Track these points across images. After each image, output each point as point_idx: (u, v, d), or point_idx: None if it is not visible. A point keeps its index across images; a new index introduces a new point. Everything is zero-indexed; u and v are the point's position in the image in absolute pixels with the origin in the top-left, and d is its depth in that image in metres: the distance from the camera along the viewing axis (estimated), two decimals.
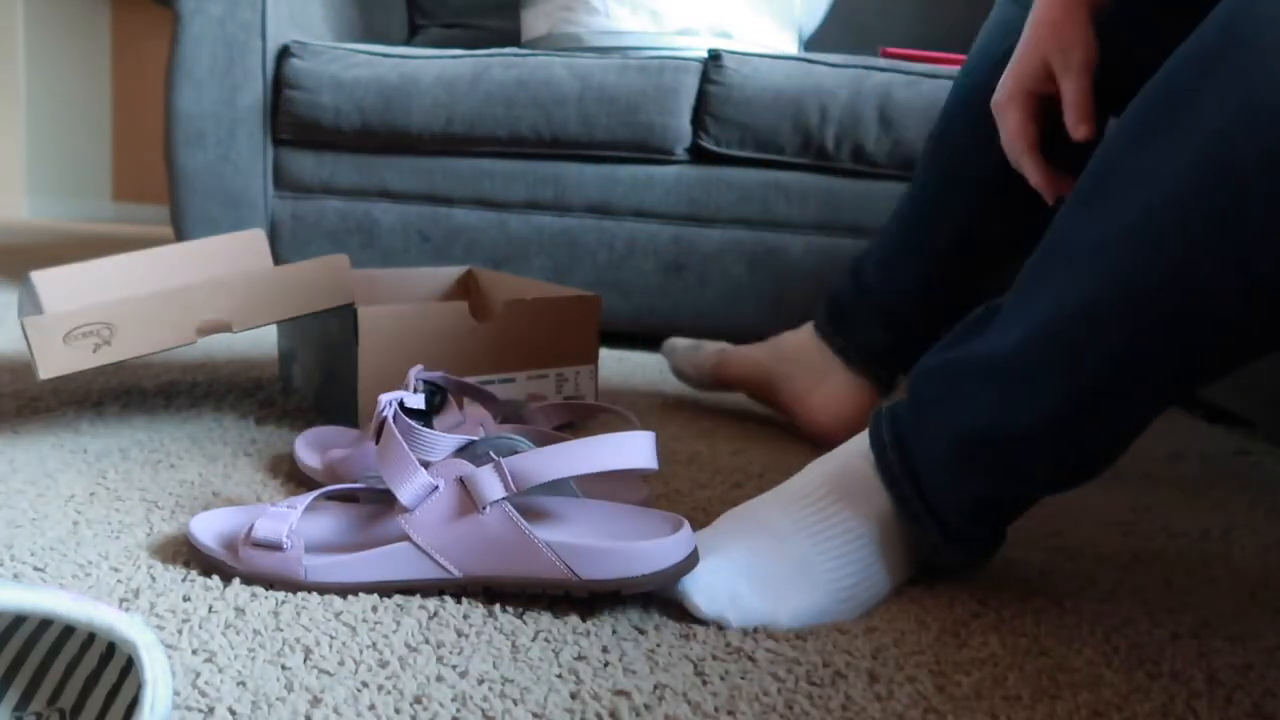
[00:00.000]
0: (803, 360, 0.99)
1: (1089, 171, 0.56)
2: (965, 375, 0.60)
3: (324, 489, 0.63)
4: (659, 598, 0.59)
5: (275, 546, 0.57)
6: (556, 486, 0.63)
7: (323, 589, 0.57)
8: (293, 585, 0.57)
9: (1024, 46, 0.69)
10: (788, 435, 1.03)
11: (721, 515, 0.65)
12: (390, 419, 0.60)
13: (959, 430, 0.59)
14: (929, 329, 0.90)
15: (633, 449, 0.56)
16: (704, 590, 0.57)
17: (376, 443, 0.61)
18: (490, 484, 0.56)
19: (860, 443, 0.64)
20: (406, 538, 0.57)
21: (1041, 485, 0.59)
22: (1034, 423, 0.56)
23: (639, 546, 0.55)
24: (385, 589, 0.58)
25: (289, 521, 0.58)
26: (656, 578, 0.55)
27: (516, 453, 0.58)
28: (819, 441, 0.96)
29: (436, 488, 0.57)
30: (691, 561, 0.56)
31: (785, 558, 0.59)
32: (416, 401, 0.68)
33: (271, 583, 0.58)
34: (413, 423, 0.62)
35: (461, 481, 0.56)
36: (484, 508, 0.56)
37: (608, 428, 1.01)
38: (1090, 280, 0.53)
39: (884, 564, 0.61)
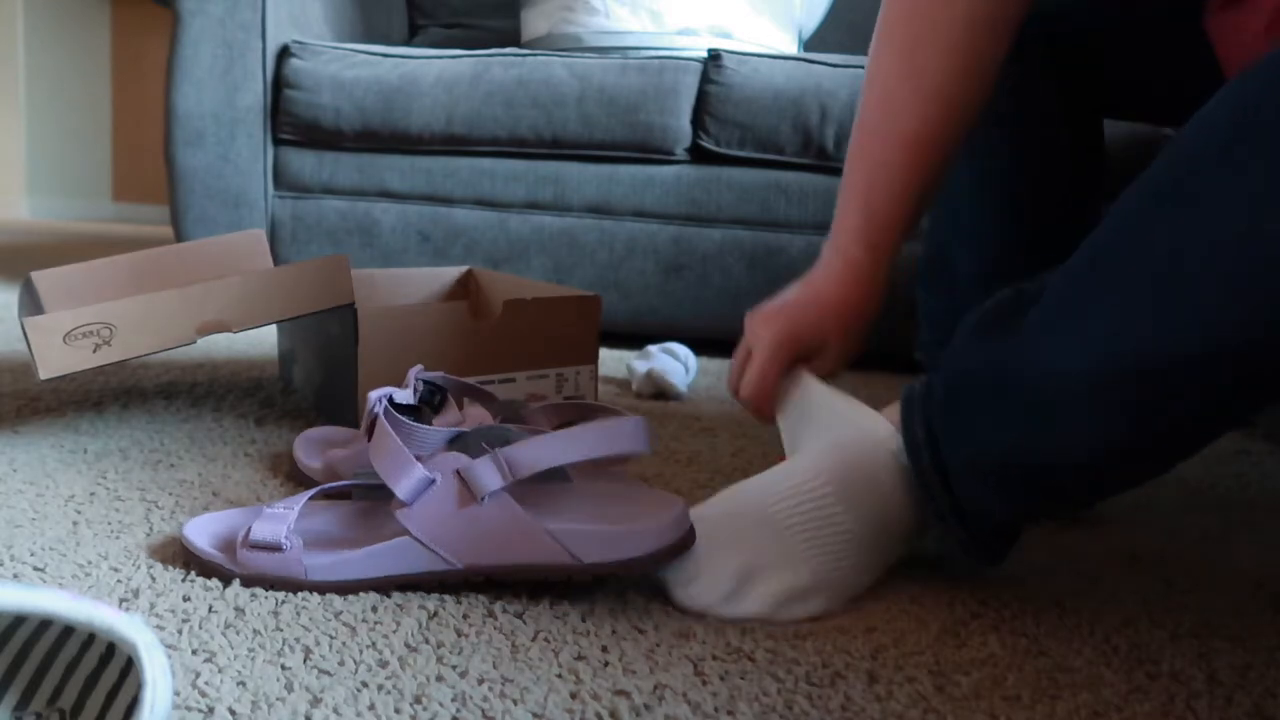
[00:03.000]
0: None
1: (1164, 172, 0.52)
2: (996, 390, 0.56)
3: (319, 488, 0.63)
4: (660, 596, 0.59)
5: (274, 547, 0.57)
6: (550, 473, 0.62)
7: (324, 588, 0.57)
8: (293, 585, 0.57)
9: (815, 311, 0.70)
10: None
11: (718, 494, 0.64)
12: (381, 415, 0.60)
13: (1002, 452, 0.56)
14: None
15: (625, 434, 0.56)
16: (689, 582, 0.58)
17: (369, 440, 0.61)
18: (488, 474, 0.56)
19: (874, 432, 0.62)
20: (405, 532, 0.57)
21: (1080, 504, 0.59)
22: (1093, 455, 0.53)
23: (638, 528, 0.56)
24: (387, 584, 0.58)
25: (287, 522, 0.58)
26: (656, 556, 0.56)
27: (509, 442, 0.58)
28: None
29: (434, 481, 0.57)
30: (689, 539, 0.57)
31: (774, 547, 0.59)
32: (406, 397, 0.68)
33: (272, 583, 0.58)
34: (403, 418, 0.62)
35: (458, 474, 0.56)
36: (482, 498, 0.56)
37: None
38: (1139, 336, 0.49)
39: (866, 563, 0.61)
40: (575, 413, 0.72)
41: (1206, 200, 0.48)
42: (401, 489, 0.57)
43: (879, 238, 0.70)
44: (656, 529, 0.56)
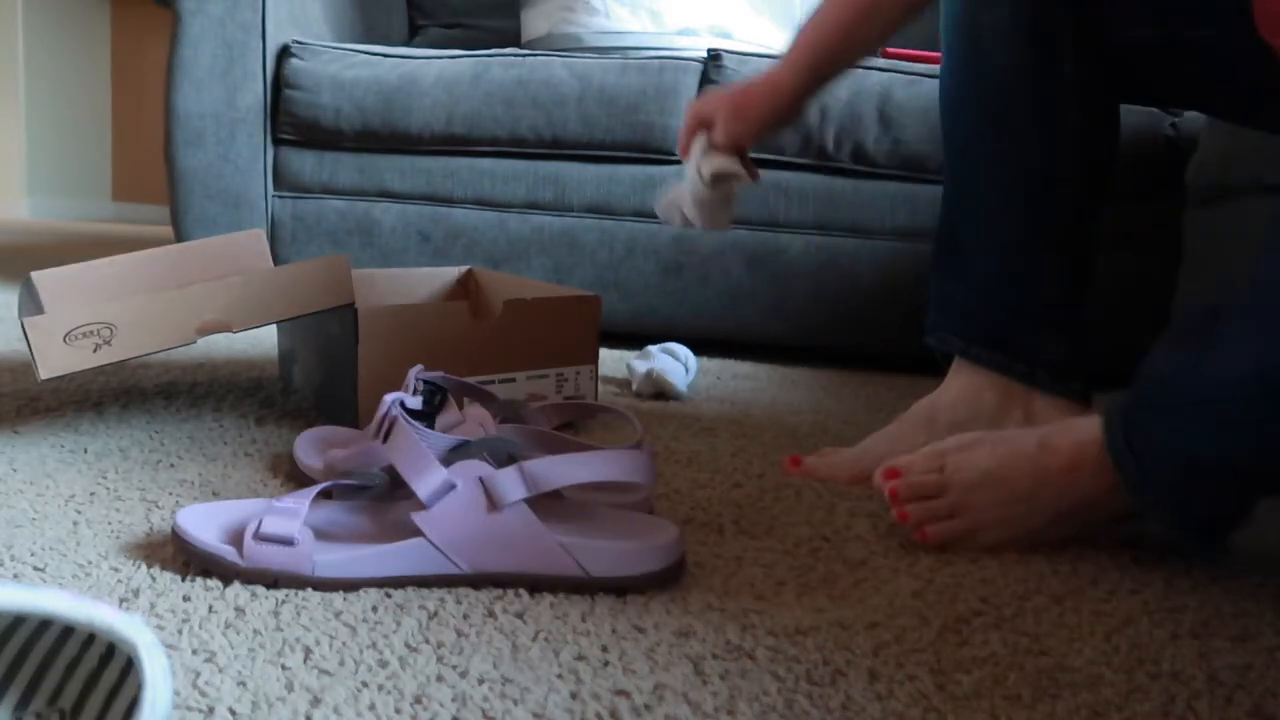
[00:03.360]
0: (982, 413, 0.86)
1: None
2: (1191, 402, 0.63)
3: (327, 484, 0.63)
4: (660, 595, 0.59)
5: (287, 541, 0.57)
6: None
7: (330, 585, 0.57)
8: (300, 581, 0.57)
9: (723, 96, 0.93)
10: (787, 435, 1.03)
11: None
12: (400, 417, 0.61)
13: (1182, 453, 0.64)
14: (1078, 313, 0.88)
15: (633, 465, 0.60)
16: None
17: (384, 441, 0.61)
18: (512, 485, 0.58)
19: (1081, 444, 0.68)
20: (416, 532, 0.57)
21: (1263, 495, 0.65)
22: (1250, 457, 0.61)
23: (644, 547, 0.59)
24: (393, 584, 0.58)
25: (299, 516, 0.58)
26: (658, 576, 0.60)
27: (512, 455, 0.60)
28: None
29: (454, 486, 0.58)
30: (680, 567, 0.61)
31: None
32: (415, 403, 0.69)
33: (276, 579, 0.57)
34: (414, 422, 0.62)
35: (481, 481, 0.58)
36: (503, 508, 0.58)
37: (607, 428, 1.01)
38: None
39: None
40: (575, 413, 0.73)
41: None
42: (423, 490, 0.58)
43: (797, 67, 0.90)
44: (660, 550, 0.60)
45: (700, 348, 1.57)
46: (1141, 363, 0.68)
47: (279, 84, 1.58)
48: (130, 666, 0.39)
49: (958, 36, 0.87)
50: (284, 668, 0.49)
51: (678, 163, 1.51)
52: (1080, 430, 0.69)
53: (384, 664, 0.50)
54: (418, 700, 0.46)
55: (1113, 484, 0.67)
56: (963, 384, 0.87)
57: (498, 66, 1.54)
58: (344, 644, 0.51)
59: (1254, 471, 0.63)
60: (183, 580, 0.58)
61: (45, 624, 0.40)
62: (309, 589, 0.57)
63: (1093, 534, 0.73)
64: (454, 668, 0.50)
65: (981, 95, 0.86)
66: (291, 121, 1.56)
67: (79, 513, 0.69)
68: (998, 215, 0.86)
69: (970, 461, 0.71)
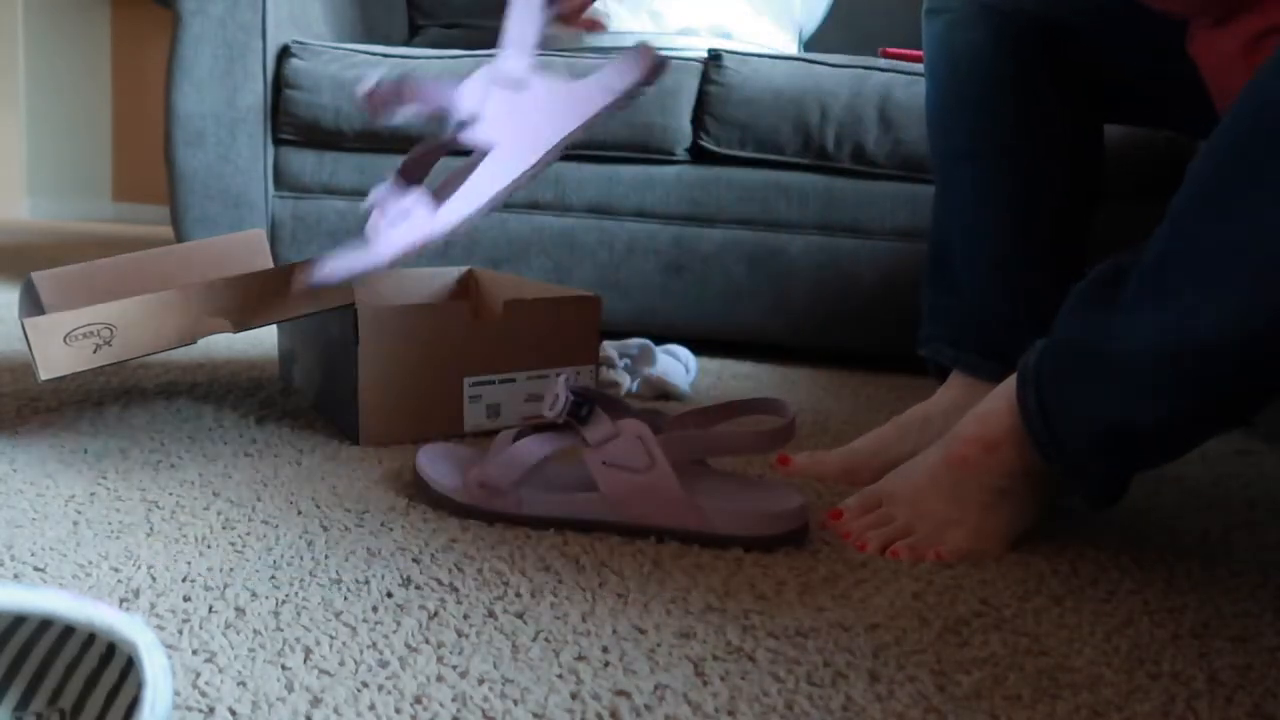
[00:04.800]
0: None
1: (1204, 174, 0.59)
2: (1100, 368, 0.64)
3: (527, 429, 0.75)
4: (660, 595, 0.59)
5: (501, 489, 0.70)
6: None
7: (530, 521, 0.70)
8: (511, 518, 0.71)
9: None
10: None
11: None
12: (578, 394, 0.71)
13: (1091, 418, 0.65)
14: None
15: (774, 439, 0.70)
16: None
17: (568, 417, 0.70)
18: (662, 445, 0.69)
19: (1007, 394, 0.71)
20: (592, 487, 0.70)
21: (1170, 457, 0.67)
22: (1153, 425, 0.63)
23: (770, 511, 0.68)
24: (571, 524, 0.71)
25: (521, 469, 0.70)
26: (780, 538, 0.68)
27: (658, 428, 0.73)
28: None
29: (617, 435, 0.69)
30: (805, 530, 0.70)
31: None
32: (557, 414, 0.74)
33: (490, 516, 0.71)
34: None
35: (640, 439, 0.68)
36: (655, 464, 0.68)
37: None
38: (1219, 312, 0.57)
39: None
40: (721, 415, 0.75)
41: (1236, 211, 0.56)
42: (593, 436, 0.69)
43: None
44: (784, 515, 0.68)
45: (700, 348, 1.57)
46: (1055, 318, 0.70)
47: (279, 84, 1.57)
48: (130, 666, 0.39)
49: (938, 57, 0.88)
50: (284, 668, 0.49)
51: (678, 162, 1.51)
52: (987, 411, 0.72)
53: (384, 664, 0.50)
54: (418, 700, 0.46)
55: (1036, 453, 0.69)
56: (957, 392, 0.88)
57: None
58: (344, 644, 0.51)
59: (1156, 438, 0.65)
60: (183, 580, 0.58)
61: (45, 624, 0.40)
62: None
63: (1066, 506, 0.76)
64: (454, 668, 0.50)
65: (963, 113, 0.87)
66: (292, 121, 1.56)
67: (79, 513, 0.69)
68: (985, 230, 0.88)
69: (898, 481, 0.75)
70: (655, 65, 0.71)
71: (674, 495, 0.68)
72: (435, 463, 0.76)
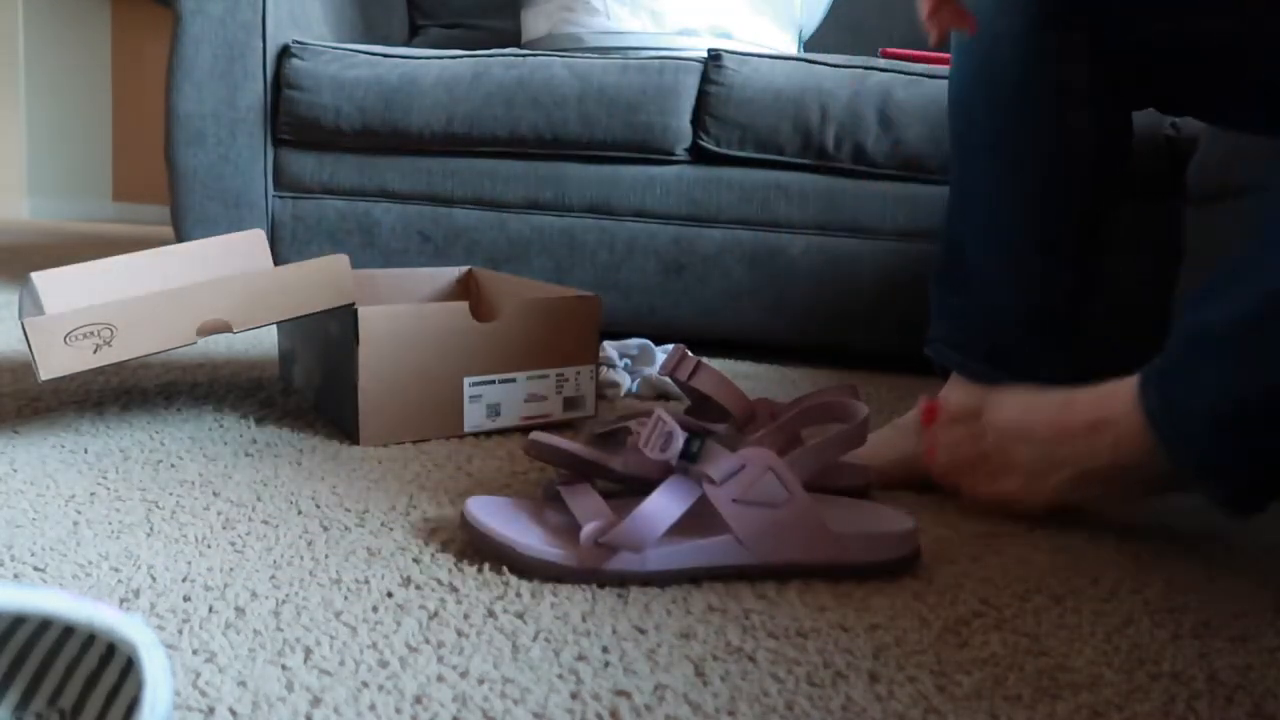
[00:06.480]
0: None
1: None
2: (1205, 349, 0.64)
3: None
4: (660, 597, 0.59)
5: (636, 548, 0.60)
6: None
7: (659, 579, 0.61)
8: (638, 579, 0.61)
9: None
10: None
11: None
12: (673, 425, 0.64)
13: (1207, 404, 0.64)
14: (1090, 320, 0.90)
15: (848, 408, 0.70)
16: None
17: (664, 452, 0.63)
18: (791, 469, 0.63)
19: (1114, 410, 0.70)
20: (724, 529, 0.63)
21: None
22: (1269, 390, 0.61)
23: (893, 533, 0.65)
24: (698, 575, 0.63)
25: (661, 529, 0.60)
26: (907, 561, 0.66)
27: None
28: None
29: (744, 466, 0.62)
30: (918, 554, 0.67)
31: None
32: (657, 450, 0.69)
33: (608, 580, 0.61)
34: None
35: (772, 469, 0.62)
36: (793, 494, 0.62)
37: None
38: None
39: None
40: (797, 421, 0.74)
41: None
42: (716, 471, 0.61)
43: None
44: (907, 538, 0.65)
45: (700, 348, 1.57)
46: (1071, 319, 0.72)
47: (279, 84, 1.58)
48: (130, 666, 0.39)
49: (968, 42, 0.86)
50: (284, 668, 0.49)
51: (678, 162, 1.51)
52: (1107, 392, 0.71)
53: (384, 664, 0.50)
54: (418, 700, 0.46)
55: (1146, 449, 0.68)
56: (960, 395, 0.87)
57: (498, 67, 1.54)
58: (344, 644, 0.51)
59: (1266, 412, 0.62)
60: (183, 580, 0.58)
61: (45, 624, 0.40)
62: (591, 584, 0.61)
63: (1132, 504, 0.77)
64: (454, 668, 0.50)
65: (992, 99, 0.85)
66: (291, 121, 1.56)
67: (79, 513, 0.69)
68: (1005, 220, 0.86)
69: (1011, 411, 0.75)
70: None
71: (817, 528, 0.63)
72: (507, 522, 0.65)
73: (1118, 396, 0.70)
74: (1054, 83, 0.82)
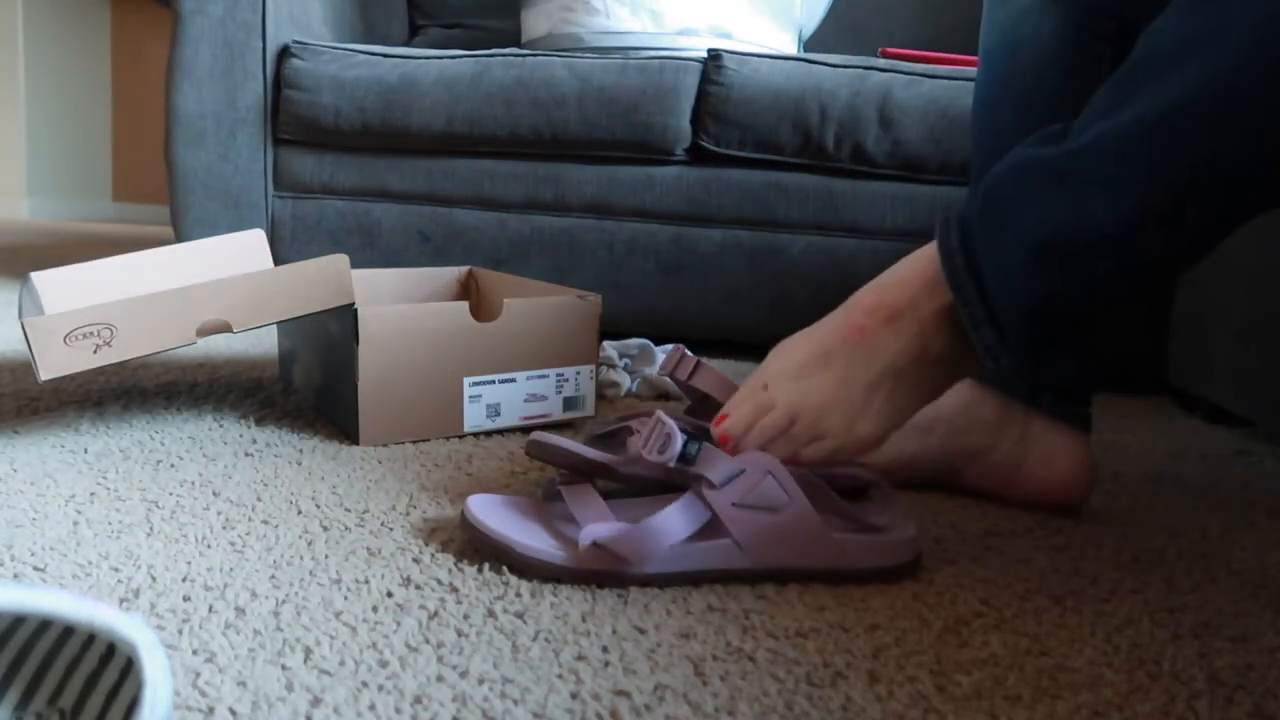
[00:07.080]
0: (977, 426, 0.83)
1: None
2: (1039, 176, 0.60)
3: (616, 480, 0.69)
4: (660, 597, 0.59)
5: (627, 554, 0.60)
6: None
7: (656, 580, 0.61)
8: (636, 580, 0.61)
9: None
10: None
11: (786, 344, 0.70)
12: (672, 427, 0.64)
13: (1030, 230, 0.60)
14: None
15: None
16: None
17: (678, 462, 0.63)
18: (791, 477, 0.62)
19: (913, 262, 0.66)
20: (724, 533, 0.62)
21: (1104, 296, 0.61)
22: (1109, 226, 0.57)
23: (897, 540, 0.64)
24: (697, 578, 0.62)
25: (669, 541, 0.60)
26: (908, 567, 0.65)
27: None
28: (1051, 508, 0.82)
29: (743, 471, 0.61)
30: (918, 558, 0.66)
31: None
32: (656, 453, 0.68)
33: (615, 580, 0.61)
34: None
35: (770, 473, 0.62)
36: (792, 498, 0.62)
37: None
38: (1180, 83, 0.54)
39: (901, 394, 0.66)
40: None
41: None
42: (716, 475, 0.61)
43: None
44: (909, 543, 0.64)
45: (700, 348, 1.57)
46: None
47: (279, 84, 1.58)
48: (130, 666, 0.39)
49: (997, 45, 0.85)
50: (284, 668, 0.49)
51: (678, 162, 1.51)
52: (892, 280, 0.66)
53: (384, 664, 0.50)
54: (418, 700, 0.46)
55: (942, 325, 0.64)
56: (964, 395, 0.85)
57: (498, 66, 1.53)
58: (344, 644, 0.51)
59: (1103, 252, 0.59)
60: (183, 580, 0.58)
61: (45, 624, 0.40)
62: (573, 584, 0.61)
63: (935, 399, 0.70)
64: (454, 668, 0.50)
65: (1018, 104, 0.83)
66: (291, 121, 1.56)
67: (79, 513, 0.69)
68: None
69: (784, 358, 0.70)
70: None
71: (817, 533, 0.62)
72: (507, 522, 0.64)
73: (904, 271, 0.65)
74: (1080, 92, 0.81)
